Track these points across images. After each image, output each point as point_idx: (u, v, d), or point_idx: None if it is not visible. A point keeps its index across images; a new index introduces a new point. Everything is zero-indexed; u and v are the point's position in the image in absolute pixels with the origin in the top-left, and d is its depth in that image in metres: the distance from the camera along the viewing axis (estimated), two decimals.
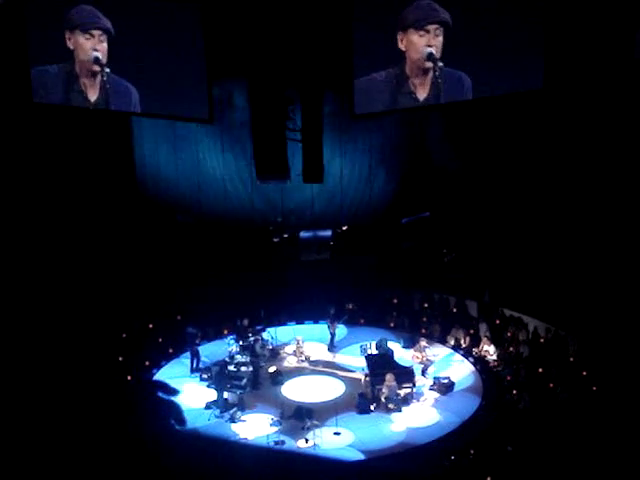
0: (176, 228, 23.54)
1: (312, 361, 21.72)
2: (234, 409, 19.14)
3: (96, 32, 19.03)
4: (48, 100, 20.11)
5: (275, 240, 22.44)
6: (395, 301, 23.87)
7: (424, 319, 23.10)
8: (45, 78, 19.77)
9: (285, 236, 22.50)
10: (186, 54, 18.71)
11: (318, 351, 22.20)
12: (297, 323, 23.27)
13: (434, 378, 20.35)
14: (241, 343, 21.45)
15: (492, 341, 21.49)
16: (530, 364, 20.35)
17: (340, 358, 21.92)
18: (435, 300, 23.73)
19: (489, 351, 21.26)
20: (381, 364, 20.08)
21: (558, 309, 21.12)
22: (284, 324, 23.10)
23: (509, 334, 21.69)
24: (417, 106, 19.20)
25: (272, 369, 20.86)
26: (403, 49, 18.46)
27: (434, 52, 18.47)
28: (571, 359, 20.30)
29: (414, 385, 19.66)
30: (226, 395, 19.48)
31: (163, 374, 20.77)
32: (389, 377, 19.26)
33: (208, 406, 19.32)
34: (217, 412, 19.20)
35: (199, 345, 21.55)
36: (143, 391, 4.93)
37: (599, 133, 21.36)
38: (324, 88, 19.68)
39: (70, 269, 21.96)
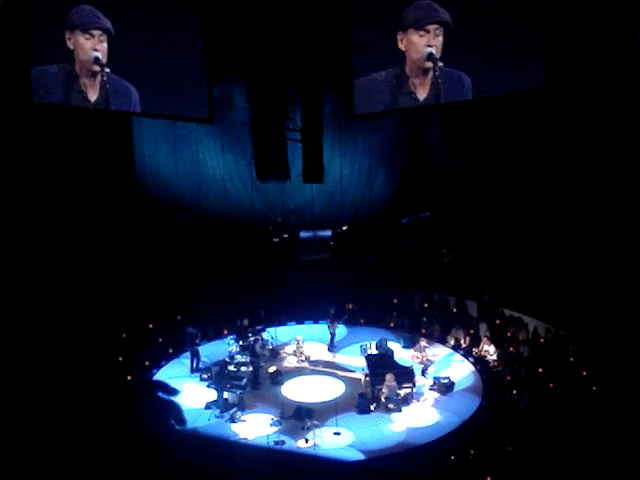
0: (176, 228, 23.54)
1: (312, 361, 21.73)
2: (234, 409, 19.15)
3: (96, 32, 19.03)
4: (48, 100, 20.11)
5: (275, 240, 22.44)
6: (395, 301, 23.88)
7: (424, 319, 23.10)
8: (45, 78, 19.78)
9: (285, 236, 22.50)
10: (186, 54, 18.71)
11: (318, 351, 22.20)
12: (297, 323, 23.28)
13: (434, 378, 20.35)
14: (241, 343, 21.46)
15: (492, 341, 21.50)
16: (530, 364, 20.35)
17: (340, 358, 21.92)
18: (435, 300, 23.73)
19: (489, 351, 21.26)
20: (381, 364, 20.09)
21: (558, 309, 21.12)
22: (284, 324, 23.11)
23: (509, 334, 21.69)
24: (417, 106, 19.20)
25: (272, 369, 20.87)
26: (403, 49, 18.46)
27: (434, 52, 18.47)
28: (571, 359, 20.30)
29: (414, 385, 19.67)
30: (226, 395, 19.48)
31: (163, 374, 20.77)
32: (389, 377, 19.27)
33: (208, 406, 19.32)
34: (217, 412, 19.21)
35: (199, 345, 21.55)
36: (143, 391, 4.93)
37: (599, 133, 21.36)
38: (324, 88, 19.69)
39: (70, 269, 21.96)
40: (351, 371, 21.15)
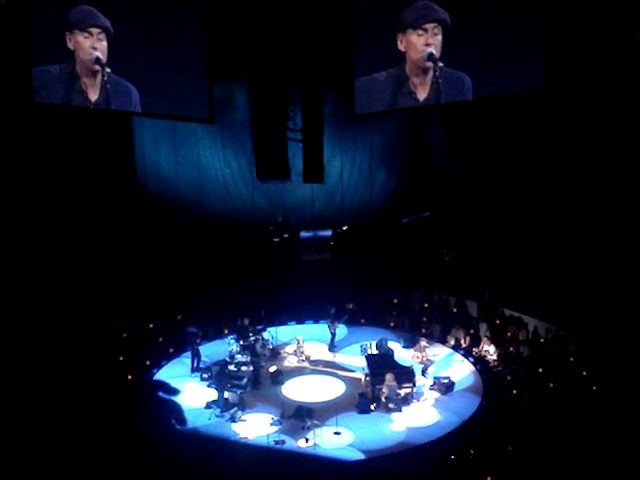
0: (177, 228, 23.55)
1: (312, 361, 21.73)
2: (234, 409, 19.15)
3: (94, 30, 19.04)
4: (49, 100, 20.13)
5: (275, 240, 22.45)
6: (395, 301, 23.87)
7: (424, 319, 23.10)
8: (46, 78, 19.80)
9: (285, 236, 22.51)
10: (187, 54, 18.73)
11: (318, 351, 22.21)
12: (297, 323, 23.28)
13: (434, 378, 20.36)
14: (242, 343, 21.46)
15: (492, 341, 21.50)
16: (530, 364, 20.35)
17: (340, 358, 21.92)
18: (435, 300, 23.73)
19: (489, 351, 21.27)
20: (381, 364, 20.09)
21: (558, 309, 21.13)
22: (284, 324, 23.11)
23: (509, 334, 21.70)
24: (417, 106, 19.22)
25: (272, 369, 20.88)
26: (403, 50, 18.49)
27: (434, 52, 18.49)
28: (571, 359, 20.31)
29: (414, 385, 19.67)
30: (226, 395, 19.49)
31: (164, 374, 20.78)
32: (389, 377, 19.27)
33: (208, 406, 19.33)
34: (217, 412, 19.21)
35: (200, 345, 21.56)
36: (144, 391, 4.94)
37: (599, 133, 21.37)
38: (324, 88, 19.70)
39: (71, 269, 21.98)
40: (351, 371, 21.15)
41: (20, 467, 4.48)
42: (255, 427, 18.61)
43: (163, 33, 18.77)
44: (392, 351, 21.16)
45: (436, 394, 19.89)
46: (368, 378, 19.97)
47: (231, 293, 22.94)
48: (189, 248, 23.25)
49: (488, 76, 18.89)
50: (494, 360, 21.05)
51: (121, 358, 20.58)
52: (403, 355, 21.44)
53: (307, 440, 18.03)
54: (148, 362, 21.02)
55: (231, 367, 20.31)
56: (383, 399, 19.31)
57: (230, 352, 21.16)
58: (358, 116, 19.43)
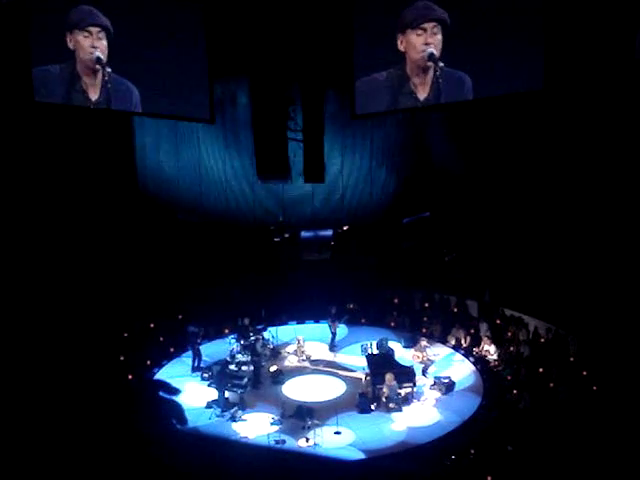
0: (177, 227, 23.56)
1: (313, 360, 21.75)
2: (235, 408, 19.17)
3: (93, 29, 19.05)
4: (49, 99, 20.14)
5: (276, 240, 22.45)
6: (396, 301, 23.89)
7: (425, 319, 23.12)
8: (47, 78, 19.81)
9: (286, 236, 22.52)
10: (188, 53, 18.74)
11: (319, 350, 22.23)
12: (298, 322, 23.30)
13: (435, 378, 20.38)
14: (242, 342, 21.48)
15: (493, 341, 21.52)
16: (530, 364, 20.36)
17: (341, 358, 21.94)
18: (436, 300, 23.75)
19: (490, 351, 21.29)
20: (382, 364, 20.11)
21: (559, 309, 21.14)
22: (285, 323, 23.12)
23: (510, 334, 21.71)
24: (418, 106, 19.22)
25: (273, 368, 20.89)
26: (403, 50, 18.49)
27: (434, 52, 18.49)
28: (571, 359, 20.32)
29: (415, 385, 19.69)
30: (227, 394, 19.50)
31: (164, 373, 20.81)
32: (389, 377, 19.29)
33: (209, 405, 19.35)
34: (218, 411, 19.22)
35: (200, 344, 21.58)
36: (144, 390, 4.95)
37: (599, 134, 21.37)
38: (325, 88, 19.71)
39: (71, 268, 21.99)
40: (352, 371, 21.17)
41: (20, 467, 4.49)
42: (255, 427, 18.63)
43: (164, 33, 18.79)
44: (393, 351, 21.17)
45: (436, 394, 19.90)
46: (369, 378, 19.99)
47: (232, 293, 22.95)
48: (190, 248, 23.25)
49: (488, 76, 18.90)
50: (494, 360, 21.07)
51: (122, 357, 20.59)
52: (404, 355, 21.46)
53: (307, 440, 18.05)
54: (149, 362, 21.04)
55: (232, 367, 20.32)
56: (383, 399, 19.32)
57: (231, 352, 21.18)
58: (358, 116, 19.44)
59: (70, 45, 19.28)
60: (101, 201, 23.04)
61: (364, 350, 21.14)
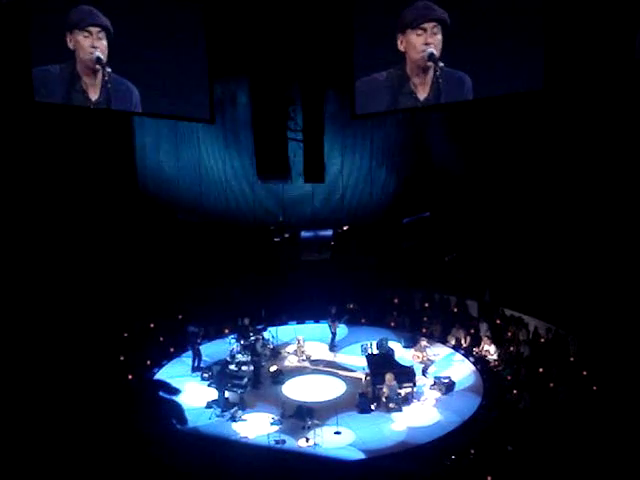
0: (177, 227, 23.56)
1: (313, 360, 21.75)
2: (235, 408, 19.17)
3: (93, 29, 19.05)
4: (49, 99, 20.14)
5: (276, 240, 22.45)
6: (396, 301, 23.90)
7: (425, 319, 23.13)
8: (47, 78, 19.80)
9: (286, 236, 22.51)
10: (188, 53, 18.74)
11: (319, 350, 22.23)
12: (298, 322, 23.30)
13: (435, 378, 20.38)
14: (242, 342, 21.48)
15: (493, 341, 21.52)
16: (530, 364, 20.37)
17: (341, 358, 21.94)
18: (436, 300, 23.75)
19: (490, 351, 21.29)
20: (382, 364, 20.11)
21: (559, 309, 21.14)
22: (285, 323, 23.13)
23: (510, 334, 21.71)
24: (418, 106, 19.22)
25: (273, 368, 20.90)
26: (403, 50, 18.49)
27: (434, 52, 18.49)
28: (571, 359, 20.32)
29: (415, 385, 19.69)
30: (227, 394, 19.51)
31: (164, 373, 20.81)
32: (389, 377, 19.29)
33: (209, 405, 19.35)
34: (218, 411, 19.23)
35: (200, 344, 21.58)
36: (144, 390, 4.95)
37: (600, 134, 21.37)
38: (325, 88, 19.71)
39: (71, 268, 21.99)
40: (352, 371, 21.17)
41: (20, 467, 4.49)
42: (255, 427, 18.64)
43: (164, 33, 18.78)
44: (393, 351, 21.18)
45: (436, 394, 19.91)
46: (369, 378, 19.99)
47: (232, 293, 22.94)
48: (190, 248, 23.25)
49: (488, 76, 18.90)
50: (494, 360, 21.07)
51: (122, 357, 20.60)
52: (404, 355, 21.46)
53: (307, 440, 18.05)
54: (149, 361, 21.05)
55: (232, 367, 20.32)
56: (383, 399, 19.32)
57: (231, 352, 21.18)
58: (358, 116, 19.44)
59: (70, 45, 19.28)
60: (101, 201, 23.04)
61: (364, 350, 21.14)
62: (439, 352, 21.78)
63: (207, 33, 18.37)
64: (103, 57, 19.18)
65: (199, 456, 4.47)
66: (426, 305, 23.66)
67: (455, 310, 23.35)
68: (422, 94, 18.86)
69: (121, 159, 23.67)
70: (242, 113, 21.94)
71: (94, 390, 4.91)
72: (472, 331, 22.18)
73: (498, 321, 22.22)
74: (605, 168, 21.37)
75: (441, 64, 18.57)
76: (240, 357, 20.74)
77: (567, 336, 20.94)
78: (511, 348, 21.27)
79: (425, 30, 18.41)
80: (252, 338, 21.56)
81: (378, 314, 23.60)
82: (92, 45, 19.16)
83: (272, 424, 18.69)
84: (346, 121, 21.30)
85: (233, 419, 18.97)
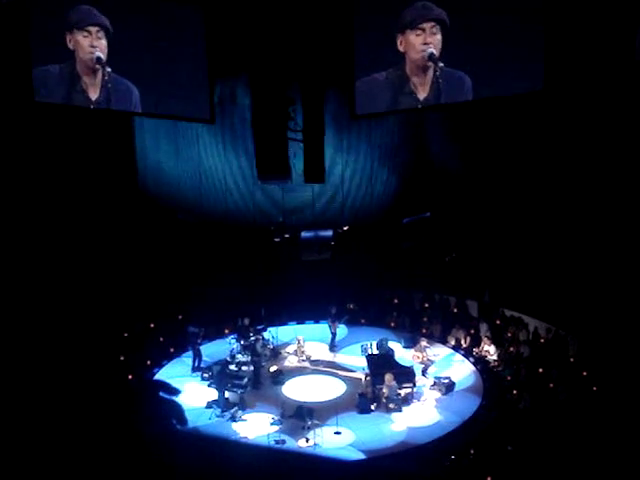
0: (177, 227, 23.56)
1: (313, 361, 21.75)
2: (235, 408, 19.17)
3: (92, 28, 19.04)
4: (49, 99, 20.13)
5: (276, 240, 22.45)
6: (396, 301, 23.89)
7: (425, 319, 23.12)
8: (47, 78, 19.80)
9: (286, 236, 22.51)
10: (188, 53, 18.73)
11: (319, 351, 22.23)
12: (298, 323, 23.30)
13: (435, 378, 20.38)
14: (242, 342, 21.48)
15: (492, 341, 21.52)
16: (530, 364, 20.37)
17: (341, 358, 21.94)
18: (436, 300, 23.75)
19: (489, 351, 21.29)
20: (382, 364, 20.11)
21: (559, 309, 21.14)
22: (285, 324, 23.13)
23: (509, 334, 21.71)
24: (418, 106, 19.22)
25: (273, 368, 20.90)
26: (402, 50, 18.49)
27: (434, 52, 18.49)
28: (572, 359, 20.32)
29: (414, 385, 19.69)
30: (227, 394, 19.51)
31: (164, 373, 20.81)
32: (388, 377, 19.29)
33: (209, 405, 19.36)
34: (218, 411, 19.23)
35: (200, 344, 21.58)
36: (144, 390, 4.94)
37: (600, 135, 21.37)
38: (325, 88, 19.70)
39: (72, 268, 21.99)
40: (352, 371, 21.17)
41: (20, 467, 4.49)
42: (255, 427, 18.64)
43: (164, 32, 18.77)
44: (392, 351, 21.18)
45: (436, 394, 19.90)
46: (368, 378, 19.99)
47: (232, 293, 22.94)
48: (190, 248, 23.25)
49: (488, 77, 18.89)
50: (494, 360, 21.07)
51: (122, 358, 20.60)
52: (403, 355, 21.46)
53: (307, 440, 18.05)
54: (149, 362, 21.05)
55: (232, 367, 20.33)
56: (383, 399, 19.32)
57: (231, 352, 21.18)
58: (359, 116, 19.44)
59: (70, 45, 19.27)
60: (101, 201, 23.04)
61: (364, 350, 21.14)
62: (439, 352, 21.78)
63: (207, 33, 18.36)
64: (103, 57, 19.18)
65: (199, 456, 4.47)
66: (426, 305, 23.66)
67: (455, 310, 23.34)
68: (422, 94, 18.86)
69: (121, 159, 23.67)
70: (242, 113, 21.95)
71: (94, 390, 4.91)
72: (472, 331, 22.18)
73: (498, 321, 22.22)
74: (605, 168, 21.38)
75: (441, 64, 18.57)
76: (240, 357, 20.74)
77: (567, 336, 20.94)
78: (511, 348, 21.27)
79: (424, 30, 18.41)
80: (252, 338, 21.56)
81: (378, 314, 23.60)
82: (91, 45, 19.16)
83: (272, 424, 18.69)
84: (347, 121, 21.31)
85: (233, 419, 18.97)
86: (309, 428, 18.33)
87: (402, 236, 23.36)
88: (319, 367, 21.51)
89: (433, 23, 18.37)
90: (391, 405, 19.20)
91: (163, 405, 4.70)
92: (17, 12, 19.57)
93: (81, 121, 21.85)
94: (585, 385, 18.98)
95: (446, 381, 20.11)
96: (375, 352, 21.08)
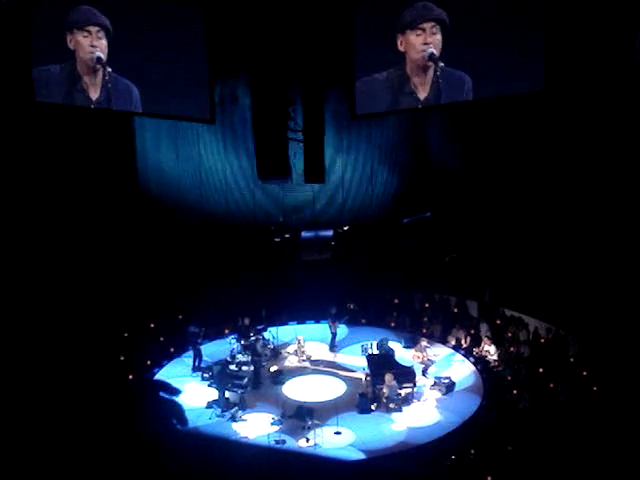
0: (178, 227, 23.55)
1: (313, 361, 21.75)
2: (235, 408, 19.17)
3: (92, 28, 19.05)
4: (50, 99, 20.14)
5: (276, 240, 22.44)
6: (396, 301, 23.88)
7: (425, 319, 23.11)
8: (47, 78, 19.81)
9: (286, 236, 22.51)
10: (188, 53, 18.73)
11: (319, 351, 22.22)
12: (298, 323, 23.28)
13: (435, 378, 20.37)
14: (242, 342, 21.48)
15: (493, 341, 21.51)
16: (531, 364, 20.36)
17: (341, 358, 21.94)
18: (436, 300, 23.74)
19: (490, 351, 21.28)
20: (382, 364, 20.11)
21: (559, 309, 21.14)
22: (285, 324, 23.12)
23: (510, 334, 21.70)
24: (418, 106, 19.22)
25: (273, 368, 20.90)
26: (402, 50, 18.50)
27: (435, 52, 18.49)
28: (572, 359, 20.32)
29: (415, 385, 19.69)
30: (227, 394, 19.51)
31: (164, 373, 20.81)
32: (388, 377, 19.29)
33: (209, 405, 19.35)
34: (218, 411, 19.23)
35: (201, 344, 21.58)
36: (144, 390, 4.95)
37: (600, 135, 21.37)
38: (325, 88, 19.70)
39: (72, 268, 21.99)
40: (352, 371, 21.16)
41: (20, 467, 4.49)
42: (256, 427, 18.64)
43: (164, 32, 18.76)
44: (393, 351, 21.18)
45: (437, 394, 19.90)
46: (369, 378, 19.99)
47: (232, 293, 22.94)
48: (190, 248, 23.24)
49: (488, 77, 18.89)
50: (495, 360, 21.06)
51: (122, 357, 20.59)
52: (404, 355, 21.46)
53: (308, 440, 18.05)
54: (149, 362, 21.04)
55: (232, 367, 20.32)
56: (384, 399, 19.32)
57: (231, 352, 21.18)
58: (359, 116, 19.44)
59: (70, 45, 19.28)
60: (102, 201, 23.04)
61: (364, 350, 21.14)
62: (439, 352, 21.78)
63: (207, 33, 18.36)
64: (103, 57, 19.18)
65: (199, 456, 4.47)
66: (426, 305, 23.65)
67: (455, 310, 23.34)
68: (422, 94, 18.87)
69: (122, 159, 23.66)
70: (242, 113, 21.93)
71: (94, 390, 4.91)
72: (472, 331, 22.17)
73: (498, 321, 22.22)
74: (605, 168, 21.38)
75: (441, 64, 18.58)
76: (240, 357, 20.74)
77: (567, 336, 20.94)
78: (511, 348, 21.27)
79: (424, 30, 18.41)
80: (252, 338, 21.55)
81: (378, 314, 23.59)
82: (92, 44, 19.17)
83: (272, 424, 18.69)
84: (347, 121, 21.30)
85: (233, 419, 18.97)
86: (309, 428, 18.33)
87: (402, 236, 23.36)
88: (319, 367, 21.51)
89: (433, 23, 18.38)
90: (391, 405, 19.21)
91: (163, 405, 4.71)
92: (17, 12, 19.59)
93: (81, 121, 21.86)
94: (585, 385, 18.98)
95: (446, 381, 20.11)
96: (375, 352, 21.08)
